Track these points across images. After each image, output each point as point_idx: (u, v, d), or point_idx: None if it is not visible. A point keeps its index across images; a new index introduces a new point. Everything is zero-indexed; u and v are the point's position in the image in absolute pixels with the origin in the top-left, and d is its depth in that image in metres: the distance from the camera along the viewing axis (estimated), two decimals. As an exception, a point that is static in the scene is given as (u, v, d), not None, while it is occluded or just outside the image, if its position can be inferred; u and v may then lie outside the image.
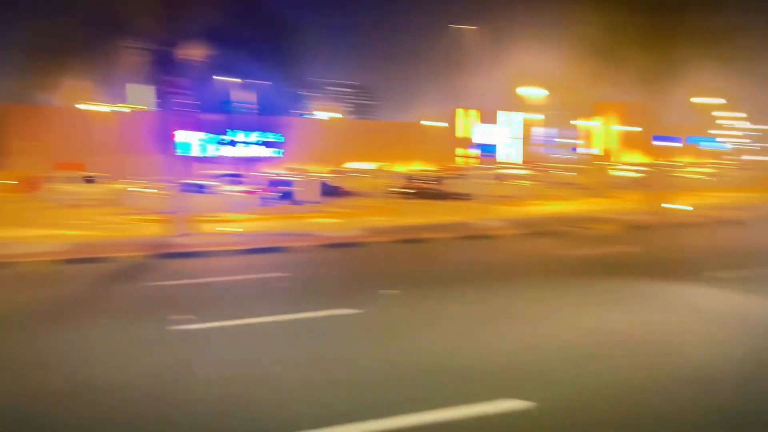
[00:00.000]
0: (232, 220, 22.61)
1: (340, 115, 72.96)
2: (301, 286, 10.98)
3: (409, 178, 38.52)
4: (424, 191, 34.23)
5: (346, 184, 35.81)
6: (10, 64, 16.82)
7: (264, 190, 30.77)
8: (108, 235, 18.73)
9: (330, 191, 30.52)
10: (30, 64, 16.62)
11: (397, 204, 29.92)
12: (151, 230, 19.16)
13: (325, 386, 5.87)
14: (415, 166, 62.35)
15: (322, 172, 47.97)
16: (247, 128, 54.57)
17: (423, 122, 74.14)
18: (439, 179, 36.06)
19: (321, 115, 73.21)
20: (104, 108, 52.31)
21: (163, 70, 16.94)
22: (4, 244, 16.21)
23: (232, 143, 62.98)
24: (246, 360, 6.68)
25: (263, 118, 63.87)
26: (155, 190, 27.84)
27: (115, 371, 6.37)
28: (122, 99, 63.88)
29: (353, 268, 12.96)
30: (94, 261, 13.72)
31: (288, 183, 32.63)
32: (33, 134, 53.78)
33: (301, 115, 67.51)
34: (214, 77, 20.15)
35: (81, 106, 45.69)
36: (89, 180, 35.25)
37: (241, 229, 19.86)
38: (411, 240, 16.62)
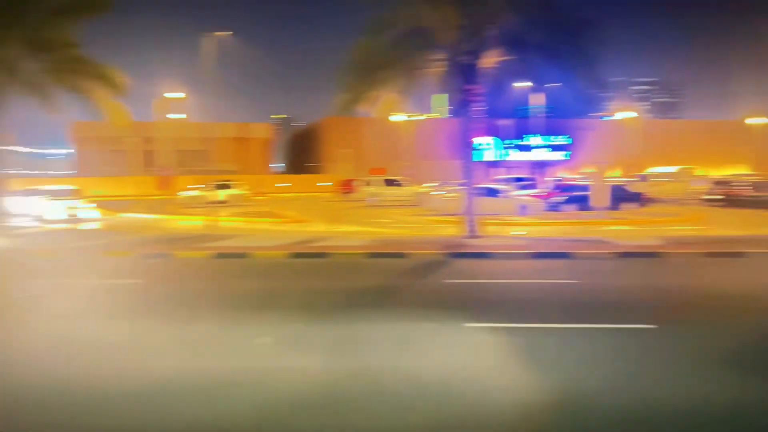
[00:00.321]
0: (521, 224, 22.74)
1: (635, 115, 67.63)
2: (591, 294, 10.49)
3: (722, 183, 34.13)
4: (742, 199, 30.09)
5: (646, 190, 33.18)
6: (333, 82, 19.28)
7: (552, 195, 30.24)
8: (408, 233, 20.35)
9: (627, 197, 28.61)
10: (349, 81, 18.86)
11: (707, 212, 26.83)
12: (446, 230, 20.27)
13: (623, 407, 5.51)
14: (735, 171, 54.67)
15: (619, 176, 45.34)
16: (538, 132, 54.24)
17: (749, 120, 63.82)
18: (761, 185, 31.35)
19: (617, 115, 69.05)
20: (411, 117, 56.74)
21: (463, 79, 17.76)
22: (323, 237, 18.78)
23: (522, 147, 63.41)
24: (538, 365, 6.59)
25: (554, 122, 62.81)
26: (451, 193, 29.38)
27: (417, 362, 6.80)
28: (426, 108, 68.61)
29: (648, 281, 11.93)
30: (394, 256, 15.01)
31: (578, 188, 31.54)
32: (349, 143, 61.17)
33: (596, 116, 64.63)
34: (508, 83, 20.43)
35: (391, 117, 50.02)
36: (394, 183, 38.63)
37: (528, 233, 19.83)
38: (722, 253, 14.69)
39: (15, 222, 24.87)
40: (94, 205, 27.40)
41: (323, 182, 60.22)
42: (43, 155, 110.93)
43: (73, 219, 26.08)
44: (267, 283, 12.04)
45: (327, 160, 67.51)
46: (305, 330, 8.18)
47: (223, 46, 27.70)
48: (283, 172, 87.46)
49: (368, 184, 38.31)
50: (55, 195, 27.46)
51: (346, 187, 45.53)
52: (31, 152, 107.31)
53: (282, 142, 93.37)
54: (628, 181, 37.37)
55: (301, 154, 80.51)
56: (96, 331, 8.09)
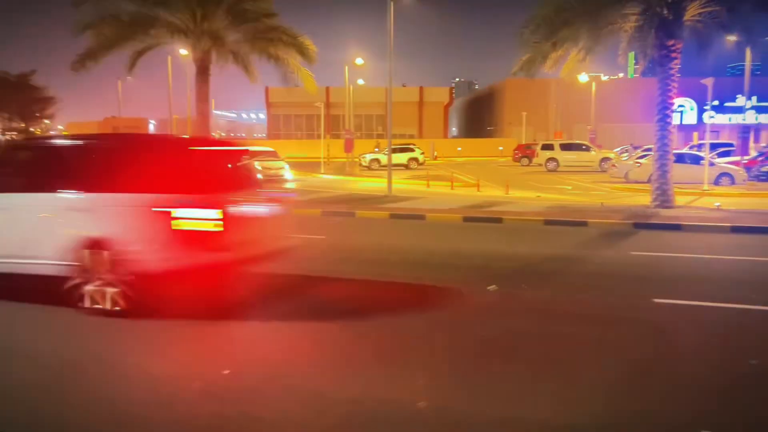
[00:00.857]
0: (718, 194, 20.62)
1: None
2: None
3: None
4: None
5: None
6: (515, 42, 18.64)
7: (756, 163, 26.98)
8: (591, 201, 19.41)
9: None
10: (531, 40, 18.12)
11: None
12: (634, 199, 19.05)
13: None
14: None
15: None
16: (744, 93, 48.26)
17: None
18: None
19: None
20: (596, 77, 53.51)
21: (660, 34, 16.28)
22: (498, 202, 18.55)
23: (725, 110, 56.85)
24: (740, 349, 5.92)
25: (765, 80, 55.32)
26: (639, 159, 27.43)
27: (601, 336, 6.48)
28: (611, 68, 64.25)
29: None
30: (574, 224, 14.39)
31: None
32: (529, 106, 59.25)
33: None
34: (712, 37, 18.31)
35: (574, 77, 47.58)
36: (578, 147, 36.93)
37: (726, 205, 17.91)
38: None
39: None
40: (287, 166, 29.50)
41: (501, 146, 59.30)
42: (241, 119, 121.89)
43: (270, 177, 28.32)
44: (440, 245, 12.22)
45: (505, 124, 66.21)
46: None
47: (406, 10, 28.03)
48: (458, 136, 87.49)
49: (547, 148, 36.99)
50: (253, 156, 29.98)
51: (524, 151, 44.39)
52: (231, 116, 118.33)
53: (460, 105, 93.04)
54: None
55: (479, 117, 79.77)
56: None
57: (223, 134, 78.55)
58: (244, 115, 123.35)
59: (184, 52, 26.93)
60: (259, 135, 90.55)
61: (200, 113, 22.38)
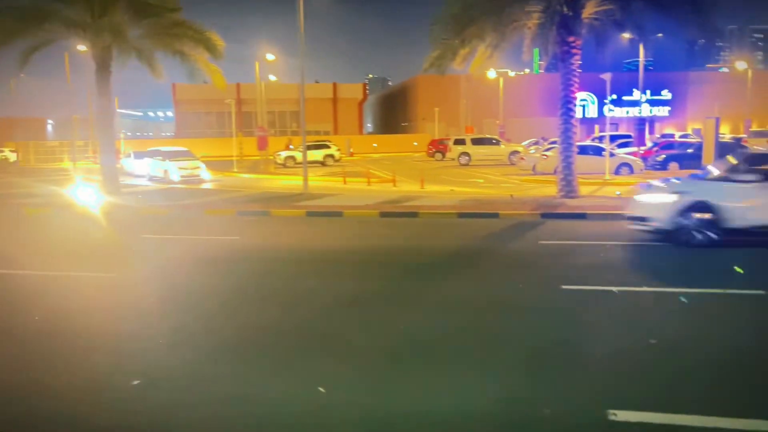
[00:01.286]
0: (619, 184, 21.76)
1: (746, 66, 61.90)
2: (695, 258, 9.88)
3: None
4: None
5: None
6: (424, 38, 18.90)
7: (651, 153, 28.70)
8: (501, 193, 19.98)
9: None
10: (441, 37, 18.42)
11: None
12: (541, 190, 19.74)
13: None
14: None
15: (736, 133, 42.37)
16: (639, 87, 51.39)
17: None
18: None
19: (736, 66, 63.56)
20: (503, 73, 55.10)
21: (560, 31, 16.92)
22: (413, 197, 18.77)
23: (622, 103, 60.15)
24: (641, 330, 6.26)
25: (659, 75, 58.98)
26: (546, 152, 28.54)
27: (512, 324, 6.69)
28: (519, 64, 66.31)
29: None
30: (486, 216, 14.78)
31: (683, 145, 29.75)
32: (441, 101, 60.24)
33: (708, 68, 60.26)
34: (609, 34, 19.26)
35: (483, 73, 48.72)
36: (488, 142, 37.92)
37: (626, 193, 18.95)
38: None
39: (129, 182, 26.50)
40: (204, 165, 28.48)
41: (415, 142, 60.08)
42: (148, 117, 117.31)
43: (186, 179, 27.25)
44: (357, 242, 12.23)
45: (419, 120, 67.08)
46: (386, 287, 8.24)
47: (318, 6, 27.68)
48: (373, 133, 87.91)
49: (459, 143, 37.79)
50: (168, 156, 28.64)
51: (438, 146, 45.19)
52: (137, 114, 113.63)
53: (374, 101, 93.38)
54: (745, 138, 34.85)
55: (393, 113, 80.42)
56: (180, 279, 8.52)
57: (128, 134, 75.10)
58: (151, 114, 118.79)
59: (83, 48, 25.52)
60: (167, 134, 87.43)
61: (102, 112, 21.34)
